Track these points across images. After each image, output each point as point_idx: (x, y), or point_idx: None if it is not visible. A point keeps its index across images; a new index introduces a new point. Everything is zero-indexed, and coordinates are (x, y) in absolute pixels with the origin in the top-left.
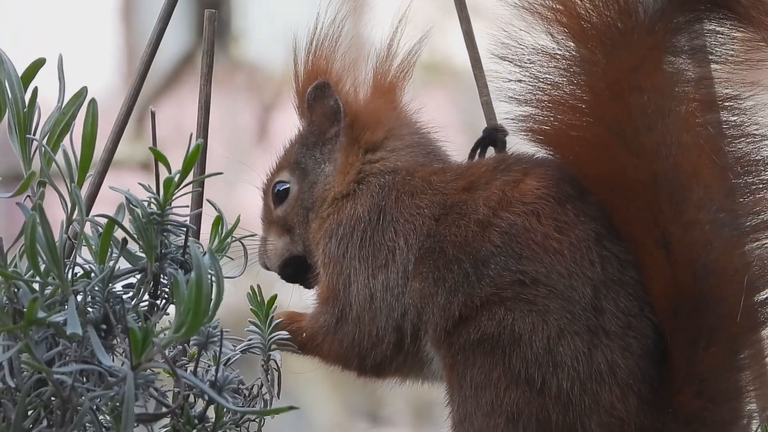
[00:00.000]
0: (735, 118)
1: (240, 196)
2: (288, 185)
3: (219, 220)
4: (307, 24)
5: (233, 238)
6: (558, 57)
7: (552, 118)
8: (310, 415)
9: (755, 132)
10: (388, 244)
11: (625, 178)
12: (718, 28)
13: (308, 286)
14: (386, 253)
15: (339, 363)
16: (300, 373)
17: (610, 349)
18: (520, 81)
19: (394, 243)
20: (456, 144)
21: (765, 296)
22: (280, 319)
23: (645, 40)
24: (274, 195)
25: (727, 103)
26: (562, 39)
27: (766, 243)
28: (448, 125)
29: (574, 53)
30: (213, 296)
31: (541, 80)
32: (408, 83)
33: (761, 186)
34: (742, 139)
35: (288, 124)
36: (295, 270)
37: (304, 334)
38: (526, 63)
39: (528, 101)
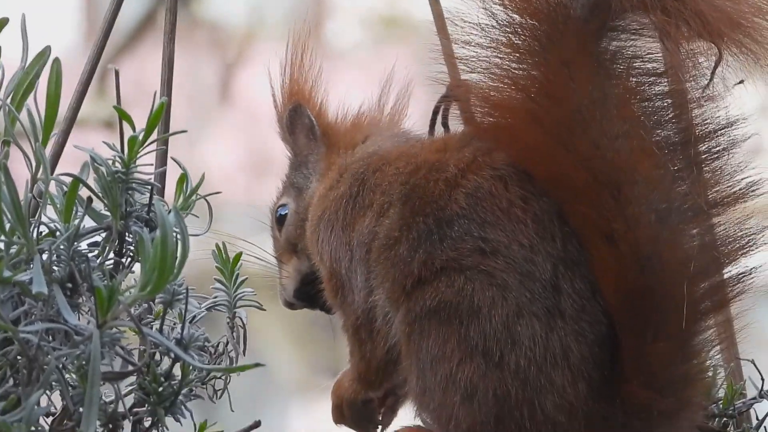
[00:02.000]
0: (672, 91)
1: (202, 154)
2: (286, 207)
3: (184, 178)
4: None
5: (198, 196)
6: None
7: (490, 117)
8: (272, 372)
9: (693, 110)
10: (368, 204)
11: (566, 177)
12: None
13: (327, 308)
14: (366, 210)
15: (356, 342)
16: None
17: (565, 332)
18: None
19: (372, 201)
20: (418, 99)
21: (713, 282)
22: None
23: (576, 33)
24: (277, 222)
25: (662, 78)
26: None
27: (711, 227)
28: (410, 81)
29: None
30: (178, 254)
31: (485, 68)
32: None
33: (699, 164)
34: (679, 114)
35: (250, 82)
36: (310, 288)
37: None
38: (470, 40)
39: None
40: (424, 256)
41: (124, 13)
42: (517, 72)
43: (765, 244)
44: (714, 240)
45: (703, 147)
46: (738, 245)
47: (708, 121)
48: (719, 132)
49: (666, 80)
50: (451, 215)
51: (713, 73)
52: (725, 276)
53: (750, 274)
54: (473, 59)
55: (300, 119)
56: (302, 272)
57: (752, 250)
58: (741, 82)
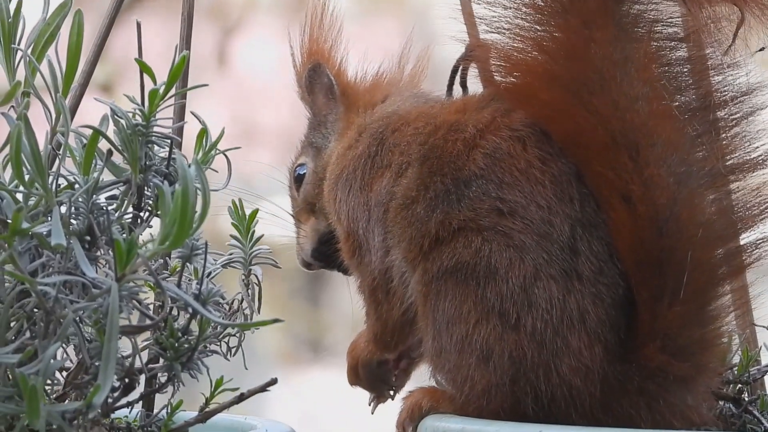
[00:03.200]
0: (692, 56)
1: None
2: (305, 166)
3: (203, 132)
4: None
5: (217, 151)
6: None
7: (510, 76)
8: (254, 345)
9: (711, 70)
10: (386, 164)
11: (584, 137)
12: None
13: (344, 269)
14: (384, 170)
15: (373, 303)
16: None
17: (582, 295)
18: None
19: (390, 161)
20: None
21: (730, 248)
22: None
23: None
24: (295, 181)
25: (684, 43)
26: None
27: (729, 193)
28: (399, 53)
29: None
30: (198, 208)
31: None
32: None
33: (718, 129)
34: (699, 80)
35: (246, 51)
36: (328, 248)
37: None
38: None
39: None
40: (441, 216)
41: None
42: (538, 33)
43: None
44: (731, 205)
45: (723, 113)
46: (755, 212)
47: (728, 87)
48: (739, 99)
49: (686, 46)
50: (469, 175)
51: (735, 36)
52: (742, 242)
53: (767, 240)
54: (495, 19)
55: (319, 78)
56: (320, 231)
57: None
58: (762, 48)
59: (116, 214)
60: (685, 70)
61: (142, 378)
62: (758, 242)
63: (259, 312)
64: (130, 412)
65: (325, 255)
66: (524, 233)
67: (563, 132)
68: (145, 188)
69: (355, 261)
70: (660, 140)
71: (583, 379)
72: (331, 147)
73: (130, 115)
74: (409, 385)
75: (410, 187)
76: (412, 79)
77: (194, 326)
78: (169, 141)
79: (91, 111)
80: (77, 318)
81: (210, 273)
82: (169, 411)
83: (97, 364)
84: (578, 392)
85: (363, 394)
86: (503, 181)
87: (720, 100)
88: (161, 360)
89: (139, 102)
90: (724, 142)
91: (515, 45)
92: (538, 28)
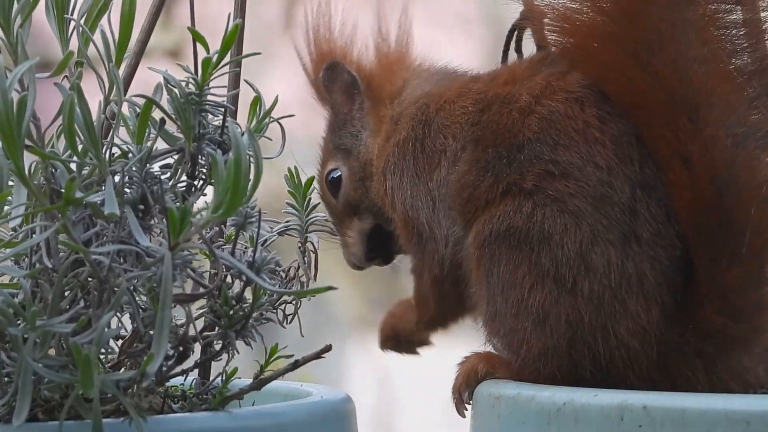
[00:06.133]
0: (751, 18)
1: (263, 87)
2: (338, 170)
3: (257, 100)
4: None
5: (271, 119)
6: None
7: (567, 37)
8: (329, 307)
9: None
10: (440, 149)
11: (643, 98)
12: None
13: (391, 256)
14: (439, 157)
15: (436, 291)
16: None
17: (641, 258)
18: None
19: (444, 145)
20: (478, 37)
21: None
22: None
23: None
24: (330, 187)
25: (737, 12)
26: None
27: None
28: (470, 18)
29: None
30: (251, 176)
31: None
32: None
33: None
34: (755, 48)
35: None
36: (378, 242)
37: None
38: None
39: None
40: (492, 179)
41: None
42: None
43: None
44: None
45: None
46: None
47: None
48: None
49: (742, 9)
50: (523, 140)
51: None
52: None
53: None
54: None
55: (339, 76)
56: (365, 231)
57: None
58: None
59: (170, 183)
60: (741, 33)
61: (197, 346)
62: None
63: (315, 279)
64: (185, 380)
65: (378, 251)
66: (579, 197)
67: (621, 93)
68: (199, 157)
69: (414, 246)
70: (718, 101)
71: (641, 341)
72: (367, 144)
73: (184, 84)
74: (465, 351)
75: (464, 166)
76: (409, 53)
77: (248, 294)
78: (222, 109)
79: (152, 80)
80: (131, 287)
81: (266, 241)
82: (224, 379)
83: (151, 332)
84: (636, 354)
85: (437, 358)
86: (558, 143)
87: None
88: (216, 328)
89: (193, 71)
90: None
91: (572, 6)
92: None
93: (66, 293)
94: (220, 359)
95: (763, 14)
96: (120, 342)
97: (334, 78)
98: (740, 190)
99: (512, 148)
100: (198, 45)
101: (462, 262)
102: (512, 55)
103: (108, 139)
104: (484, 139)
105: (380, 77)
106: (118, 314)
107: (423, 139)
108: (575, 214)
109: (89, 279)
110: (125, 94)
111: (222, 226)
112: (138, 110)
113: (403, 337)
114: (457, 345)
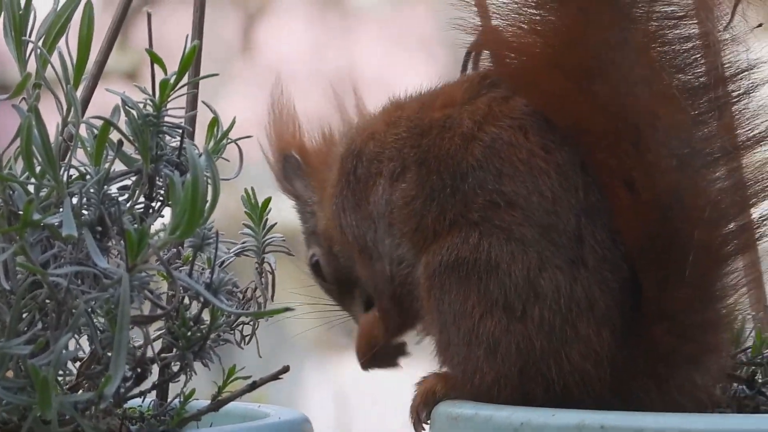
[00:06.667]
0: (691, 34)
1: (222, 108)
2: (315, 255)
3: (215, 122)
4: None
5: (228, 140)
6: None
7: (511, 64)
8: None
9: (713, 54)
10: (375, 173)
11: (586, 124)
12: None
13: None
14: (374, 180)
15: (395, 306)
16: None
17: (589, 282)
18: None
19: (379, 168)
20: (439, 59)
21: (734, 227)
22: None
23: None
24: (316, 274)
25: (683, 21)
26: None
27: (733, 171)
28: (430, 39)
29: None
30: (209, 197)
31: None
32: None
33: (719, 107)
34: (699, 58)
35: (272, 36)
36: None
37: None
38: None
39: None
40: (437, 210)
41: None
42: (534, 17)
43: None
44: (735, 184)
45: (724, 91)
46: (759, 188)
47: (728, 65)
48: (739, 76)
49: (686, 24)
50: (466, 168)
51: (734, 12)
52: (748, 219)
53: None
54: (497, 4)
55: (289, 164)
56: (363, 301)
57: None
58: (761, 25)
59: (127, 205)
60: (685, 48)
61: (155, 368)
62: (763, 219)
63: (272, 300)
64: (143, 402)
65: None
66: (525, 225)
67: (565, 119)
68: (157, 178)
69: (369, 269)
70: (662, 124)
71: (593, 364)
72: (318, 217)
73: (142, 105)
74: (423, 371)
75: (410, 188)
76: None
77: (206, 315)
78: (180, 131)
79: (110, 102)
80: (89, 308)
81: (223, 262)
82: (181, 400)
83: (109, 354)
84: (590, 378)
85: (394, 377)
86: (503, 172)
87: (721, 78)
88: (174, 350)
89: (150, 93)
90: (726, 120)
91: (514, 33)
92: (533, 12)
93: (24, 315)
94: (178, 380)
95: (707, 29)
96: (78, 364)
97: (290, 168)
98: (684, 212)
99: (456, 176)
100: (155, 66)
101: (415, 283)
102: None
103: (66, 160)
104: (427, 163)
105: (320, 151)
106: (76, 336)
107: (355, 170)
108: (522, 242)
109: (47, 301)
110: (83, 116)
111: (179, 247)
112: (96, 132)
113: (379, 352)
114: (415, 365)
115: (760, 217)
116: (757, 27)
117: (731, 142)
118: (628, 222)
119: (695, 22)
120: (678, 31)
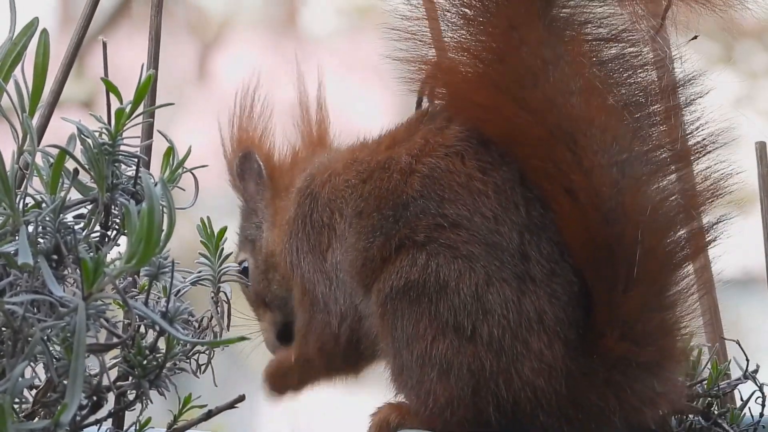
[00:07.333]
0: (625, 53)
1: (177, 136)
2: (245, 262)
3: (170, 151)
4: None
5: (184, 169)
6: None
7: (447, 87)
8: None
9: (646, 65)
10: (327, 223)
11: (522, 134)
12: None
13: None
14: (328, 233)
15: (323, 357)
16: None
17: (537, 296)
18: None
19: (331, 220)
20: (392, 85)
21: (682, 233)
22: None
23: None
24: (240, 278)
25: (615, 42)
26: None
27: (675, 178)
28: (383, 66)
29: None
30: (164, 227)
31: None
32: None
33: (659, 119)
34: (634, 74)
35: (227, 66)
36: (289, 330)
37: (293, 360)
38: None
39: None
40: (382, 239)
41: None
42: (465, 38)
43: (730, 191)
44: (680, 191)
45: (662, 104)
46: (704, 197)
47: (665, 78)
48: (677, 89)
49: (619, 44)
50: (407, 199)
51: (663, 17)
52: (696, 226)
53: (721, 221)
54: (429, 32)
55: (249, 165)
56: (278, 324)
57: (719, 199)
58: (695, 37)
59: (83, 233)
60: (619, 66)
61: (111, 396)
62: (712, 225)
63: (228, 329)
64: (98, 430)
65: (288, 339)
66: (471, 243)
67: (500, 132)
68: (112, 207)
69: (307, 314)
70: (597, 130)
71: (547, 378)
72: (266, 237)
73: (98, 134)
74: (377, 399)
75: (352, 239)
76: (321, 140)
77: (162, 344)
78: (135, 160)
79: (65, 130)
80: (45, 336)
81: (179, 291)
82: (137, 428)
83: (65, 382)
84: (543, 393)
85: (349, 407)
86: (444, 198)
87: (658, 91)
88: (130, 378)
89: (106, 121)
90: (666, 130)
91: (450, 56)
92: (464, 33)
93: None
94: (134, 409)
95: (640, 47)
96: (34, 391)
97: (247, 167)
98: (627, 216)
99: (398, 208)
100: (111, 95)
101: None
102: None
103: (21, 189)
104: (366, 209)
105: (284, 169)
106: (32, 364)
107: (311, 214)
108: (468, 258)
109: (3, 329)
110: (39, 145)
111: (135, 276)
112: (51, 160)
113: (289, 376)
114: (369, 393)
115: (706, 224)
116: (692, 39)
117: (675, 150)
118: (572, 230)
119: (629, 41)
120: (612, 51)
